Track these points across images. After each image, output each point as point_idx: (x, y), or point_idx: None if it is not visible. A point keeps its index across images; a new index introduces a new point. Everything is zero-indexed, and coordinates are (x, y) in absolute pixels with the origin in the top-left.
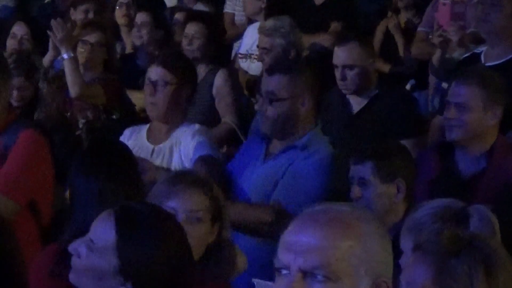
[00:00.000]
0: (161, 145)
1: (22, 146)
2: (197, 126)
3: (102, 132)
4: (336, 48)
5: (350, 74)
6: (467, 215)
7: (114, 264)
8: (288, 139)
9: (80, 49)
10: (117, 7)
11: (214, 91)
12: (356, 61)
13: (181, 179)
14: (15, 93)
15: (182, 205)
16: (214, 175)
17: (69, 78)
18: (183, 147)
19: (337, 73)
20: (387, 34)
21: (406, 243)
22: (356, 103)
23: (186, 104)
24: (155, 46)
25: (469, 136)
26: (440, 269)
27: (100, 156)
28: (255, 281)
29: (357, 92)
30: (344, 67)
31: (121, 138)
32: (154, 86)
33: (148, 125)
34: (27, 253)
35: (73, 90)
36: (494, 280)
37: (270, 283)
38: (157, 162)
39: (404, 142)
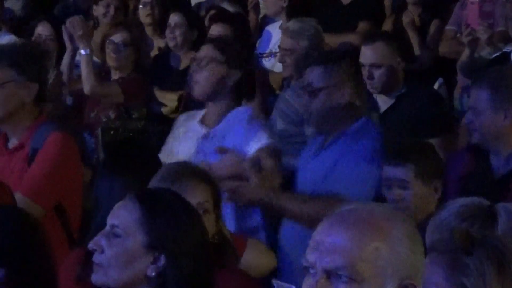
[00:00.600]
0: (213, 129)
1: (50, 149)
2: (250, 110)
3: (118, 131)
4: (363, 47)
5: (377, 73)
6: (495, 213)
7: (143, 240)
8: (337, 129)
9: (107, 49)
10: (141, 6)
11: None
12: (383, 60)
13: (182, 172)
14: None
15: (190, 199)
16: (280, 166)
17: (83, 74)
18: (236, 131)
19: (364, 72)
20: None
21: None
22: (383, 102)
23: (235, 88)
24: (189, 47)
25: (486, 138)
26: (453, 266)
27: (124, 158)
28: (275, 282)
29: (384, 91)
30: (371, 66)
31: (175, 124)
32: (198, 64)
33: (204, 110)
34: (55, 252)
35: (85, 87)
36: (506, 277)
37: (290, 285)
38: (209, 145)
39: (431, 141)
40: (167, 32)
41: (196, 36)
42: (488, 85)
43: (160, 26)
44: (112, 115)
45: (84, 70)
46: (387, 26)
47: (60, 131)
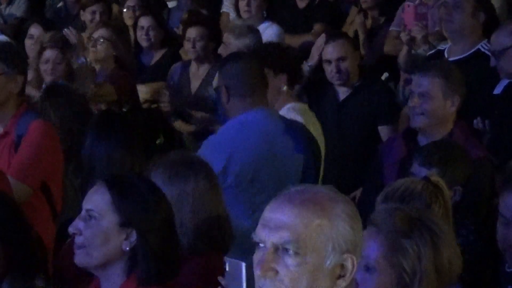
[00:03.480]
0: None
1: (33, 135)
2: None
3: None
4: (328, 46)
5: (343, 66)
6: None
7: (116, 219)
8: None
9: (89, 46)
10: (125, 10)
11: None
12: (347, 54)
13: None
14: (49, 66)
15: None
16: None
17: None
18: None
19: (331, 67)
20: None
21: None
22: (342, 92)
23: None
24: (159, 45)
25: (431, 122)
26: (392, 248)
27: (111, 124)
28: (227, 259)
29: (344, 82)
30: (338, 60)
31: None
32: None
33: None
34: (41, 232)
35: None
36: (439, 255)
37: (240, 262)
38: None
39: (383, 128)
40: (139, 32)
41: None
42: (441, 73)
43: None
44: (103, 108)
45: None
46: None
47: (39, 119)
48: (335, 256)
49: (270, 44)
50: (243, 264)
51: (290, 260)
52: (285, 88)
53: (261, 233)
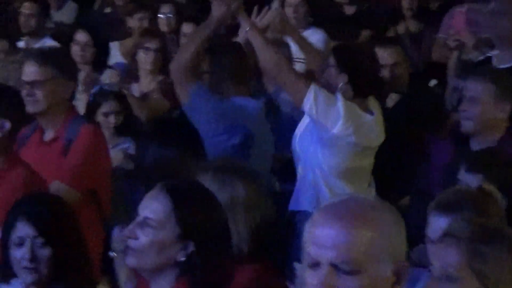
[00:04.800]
0: None
1: (83, 140)
2: None
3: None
4: (382, 50)
5: (396, 72)
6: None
7: (175, 230)
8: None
9: (143, 55)
10: (161, 16)
11: None
12: (401, 60)
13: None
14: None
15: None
16: None
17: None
18: None
19: (384, 72)
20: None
21: (438, 221)
22: (390, 99)
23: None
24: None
25: (479, 127)
26: (473, 254)
27: (163, 130)
28: (297, 265)
29: (394, 88)
30: (393, 65)
31: None
32: None
33: None
34: (89, 237)
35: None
36: None
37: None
38: None
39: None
40: (182, 39)
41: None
42: (493, 79)
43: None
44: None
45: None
46: (390, 34)
47: (89, 123)
48: (390, 266)
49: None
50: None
51: (349, 278)
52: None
53: (315, 252)
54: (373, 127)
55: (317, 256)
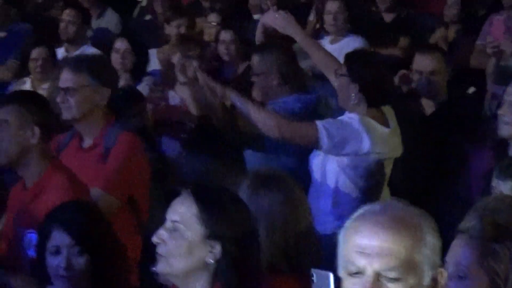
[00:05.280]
0: None
1: (121, 147)
2: None
3: None
4: (421, 56)
5: (432, 79)
6: None
7: (201, 232)
8: None
9: (186, 64)
10: (209, 24)
11: None
12: (439, 68)
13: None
14: None
15: None
16: None
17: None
18: None
19: (421, 79)
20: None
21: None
22: (428, 106)
23: None
24: (241, 59)
25: None
26: (485, 253)
27: (208, 139)
28: (313, 271)
29: (431, 96)
30: (430, 73)
31: None
32: None
33: None
34: (127, 243)
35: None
36: None
37: (328, 272)
38: None
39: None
40: (221, 47)
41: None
42: None
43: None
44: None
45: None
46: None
47: (128, 131)
48: (431, 272)
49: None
50: (331, 275)
51: (393, 285)
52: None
53: (359, 261)
54: (391, 139)
55: (361, 264)
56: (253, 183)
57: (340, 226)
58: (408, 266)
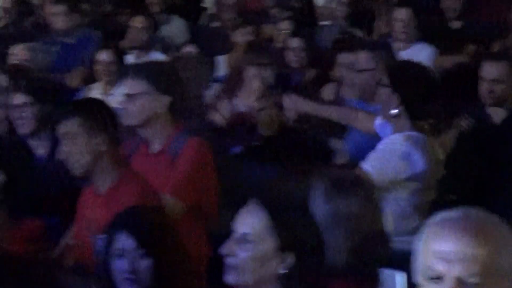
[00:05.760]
0: None
1: (189, 153)
2: None
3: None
4: (487, 64)
5: (498, 88)
6: None
7: (274, 244)
8: None
9: (253, 70)
10: (280, 32)
11: None
12: (505, 77)
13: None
14: None
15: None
16: None
17: None
18: None
19: (485, 86)
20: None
21: None
22: (495, 114)
23: None
24: (309, 66)
25: None
26: None
27: (276, 147)
28: (382, 271)
29: (499, 104)
30: (494, 81)
31: None
32: None
33: None
34: (194, 250)
35: None
36: None
37: (395, 272)
38: None
39: None
40: (290, 53)
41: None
42: None
43: None
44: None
45: None
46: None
47: (195, 137)
48: (509, 277)
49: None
50: (399, 275)
51: None
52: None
53: (439, 267)
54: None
55: (442, 270)
56: (329, 187)
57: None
58: (490, 272)
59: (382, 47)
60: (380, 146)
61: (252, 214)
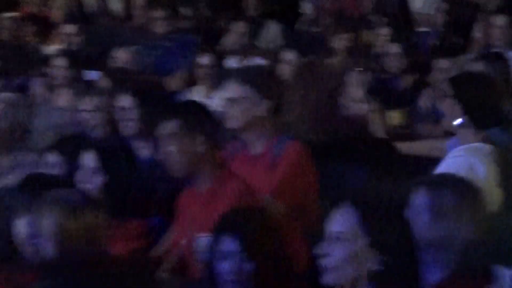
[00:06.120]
0: None
1: (290, 156)
2: None
3: None
4: None
5: None
6: None
7: (366, 241)
8: None
9: (356, 75)
10: (376, 38)
11: None
12: None
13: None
14: None
15: None
16: None
17: None
18: None
19: None
20: None
21: None
22: None
23: None
24: (408, 71)
25: None
26: None
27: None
28: (495, 267)
29: None
30: None
31: None
32: None
33: None
34: (294, 252)
35: None
36: None
37: (508, 270)
38: None
39: None
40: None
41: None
42: None
43: None
44: None
45: None
46: None
47: (295, 140)
48: None
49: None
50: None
51: None
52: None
53: None
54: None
55: None
56: (433, 190)
57: None
58: None
59: (496, 57)
60: (445, 160)
61: (344, 213)
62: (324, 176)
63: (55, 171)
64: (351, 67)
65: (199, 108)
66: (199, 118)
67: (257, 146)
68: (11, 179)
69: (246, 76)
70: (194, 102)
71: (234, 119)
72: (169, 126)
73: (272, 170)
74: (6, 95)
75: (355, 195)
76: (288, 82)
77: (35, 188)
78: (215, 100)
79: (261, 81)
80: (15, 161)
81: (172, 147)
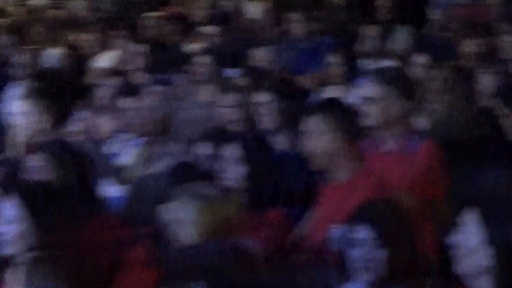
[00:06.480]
0: None
1: (424, 154)
2: None
3: None
4: None
5: None
6: None
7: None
8: None
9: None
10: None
11: None
12: None
13: None
14: None
15: None
16: None
17: None
18: None
19: None
20: None
21: None
22: None
23: None
24: None
25: None
26: None
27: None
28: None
29: None
30: None
31: None
32: None
33: None
34: (424, 244)
35: None
36: None
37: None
38: None
39: None
40: None
41: None
42: None
43: None
44: None
45: None
46: None
47: (428, 139)
48: None
49: None
50: None
51: None
52: None
53: None
54: None
55: None
56: None
57: None
58: None
59: None
60: None
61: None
62: (456, 175)
63: (204, 161)
64: (481, 71)
65: (341, 106)
66: (341, 115)
67: (391, 144)
68: (159, 167)
69: (385, 76)
70: (336, 100)
71: (372, 118)
72: (313, 121)
73: (405, 166)
74: (158, 88)
75: (485, 195)
76: (422, 84)
77: (183, 176)
78: (349, 99)
79: (399, 82)
80: (163, 150)
81: (314, 141)
